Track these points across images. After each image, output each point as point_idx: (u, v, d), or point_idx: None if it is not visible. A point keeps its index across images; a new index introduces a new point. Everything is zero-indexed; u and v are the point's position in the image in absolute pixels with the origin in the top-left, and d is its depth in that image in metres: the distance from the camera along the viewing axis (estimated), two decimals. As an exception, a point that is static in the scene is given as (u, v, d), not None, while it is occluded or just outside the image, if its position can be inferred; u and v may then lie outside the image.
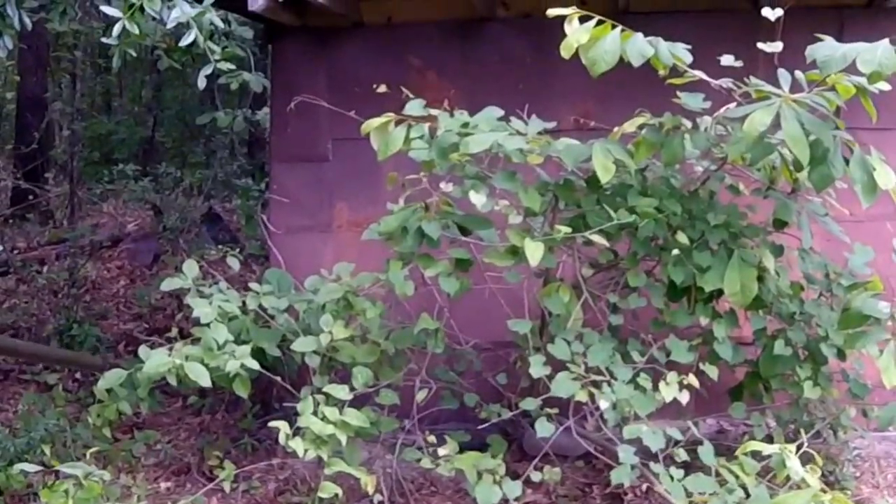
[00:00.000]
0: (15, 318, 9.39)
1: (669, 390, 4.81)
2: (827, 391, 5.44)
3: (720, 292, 5.10)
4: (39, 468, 5.46)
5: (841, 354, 5.34)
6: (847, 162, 4.59)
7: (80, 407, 7.09)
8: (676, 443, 4.86)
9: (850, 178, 4.62)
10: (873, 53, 4.19)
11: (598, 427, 5.25)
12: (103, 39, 5.74)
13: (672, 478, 4.54)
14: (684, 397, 4.88)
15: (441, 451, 5.11)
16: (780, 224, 5.32)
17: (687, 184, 5.32)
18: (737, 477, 4.40)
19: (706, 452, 4.70)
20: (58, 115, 13.23)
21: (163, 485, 6.16)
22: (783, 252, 5.34)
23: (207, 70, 5.57)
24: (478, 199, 4.85)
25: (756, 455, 4.45)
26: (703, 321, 5.22)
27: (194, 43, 5.17)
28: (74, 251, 10.39)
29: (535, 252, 4.67)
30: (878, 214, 5.49)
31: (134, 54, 5.74)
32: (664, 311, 5.30)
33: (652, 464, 4.72)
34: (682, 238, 4.98)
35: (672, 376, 4.88)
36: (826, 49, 4.27)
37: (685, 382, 4.87)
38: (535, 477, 5.10)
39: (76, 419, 6.70)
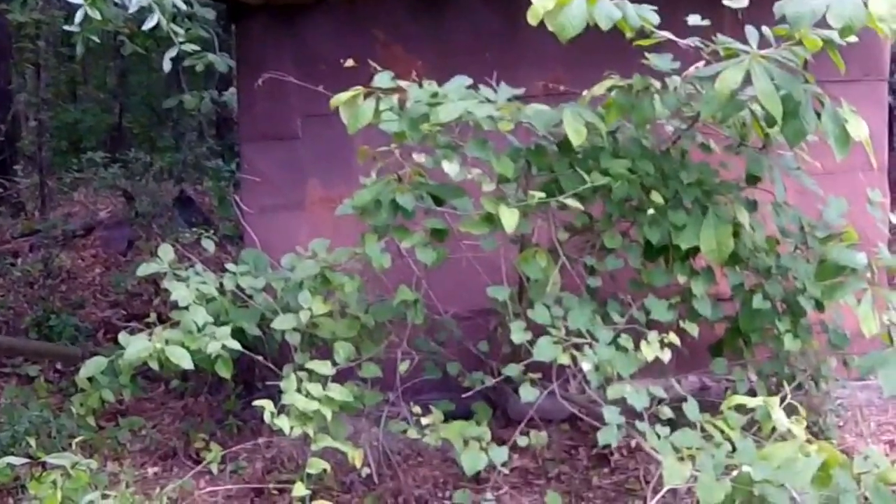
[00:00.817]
0: (-8, 312, 9.38)
1: (651, 349, 4.82)
2: (807, 343, 5.47)
3: (696, 250, 5.12)
4: (26, 460, 5.43)
5: (819, 306, 5.37)
6: (819, 115, 4.61)
7: (63, 397, 7.07)
8: (660, 401, 4.89)
9: (822, 131, 4.65)
10: (843, 7, 4.21)
11: (581, 390, 5.27)
12: (65, 27, 5.72)
13: (658, 436, 4.56)
14: (666, 356, 4.90)
15: (426, 421, 5.12)
16: (752, 179, 5.35)
17: (658, 144, 5.33)
18: (722, 432, 4.43)
19: (691, 408, 4.72)
20: (23, 105, 13.17)
21: (150, 470, 6.16)
22: (757, 207, 5.36)
23: (172, 53, 5.56)
24: (451, 167, 4.85)
25: (740, 409, 4.48)
26: (681, 279, 5.24)
27: (157, 26, 5.16)
28: (48, 242, 10.36)
29: (510, 219, 4.68)
30: (851, 166, 5.51)
31: (97, 41, 5.72)
32: (642, 271, 5.32)
33: (637, 423, 4.74)
34: (656, 198, 5.00)
35: (653, 335, 4.90)
36: (795, 4, 4.29)
37: (666, 341, 4.89)
38: (522, 442, 5.12)
39: (60, 409, 6.68)
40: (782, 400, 4.49)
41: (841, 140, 4.65)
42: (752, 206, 5.32)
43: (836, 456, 3.91)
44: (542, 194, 4.81)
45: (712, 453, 4.15)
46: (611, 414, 4.77)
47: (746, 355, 5.66)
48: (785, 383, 5.02)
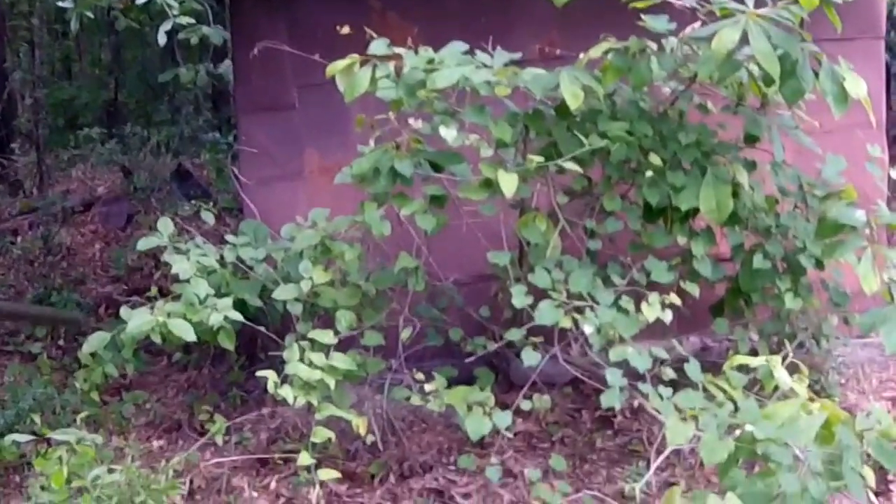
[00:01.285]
0: (-8, 291, 9.39)
1: (652, 310, 4.83)
2: (808, 302, 5.48)
3: (696, 211, 5.13)
4: (31, 437, 5.45)
5: (819, 265, 5.38)
6: (816, 75, 4.61)
7: (67, 373, 7.08)
8: (662, 362, 4.90)
9: (820, 89, 4.64)
10: (839, -35, 4.21)
11: (583, 353, 5.28)
12: (59, 3, 5.70)
13: (661, 397, 4.57)
14: (667, 316, 4.90)
15: (429, 388, 5.13)
16: (751, 139, 5.35)
17: (656, 106, 5.33)
18: (724, 392, 4.43)
19: (692, 369, 4.73)
20: (18, 84, 13.13)
21: (155, 443, 6.17)
22: (756, 167, 5.36)
23: (167, 26, 5.54)
24: (448, 133, 4.83)
25: (742, 369, 4.49)
26: (681, 240, 5.25)
27: (151, 0, 5.14)
28: (47, 219, 10.36)
29: (508, 183, 4.68)
30: (849, 124, 5.49)
31: (91, 17, 5.71)
32: (641, 233, 5.33)
33: (640, 384, 4.76)
34: (654, 159, 5.00)
35: (654, 297, 4.91)
36: (791, -38, 4.28)
37: (667, 301, 4.90)
38: (525, 406, 5.13)
39: (63, 386, 6.70)
40: (784, 359, 4.49)
41: (839, 98, 4.65)
42: (751, 166, 5.32)
43: (839, 413, 3.92)
44: (541, 158, 4.81)
45: (715, 413, 4.15)
46: (613, 376, 4.78)
47: (748, 315, 5.68)
48: (786, 342, 5.02)
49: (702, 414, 4.22)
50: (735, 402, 4.26)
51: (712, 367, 4.86)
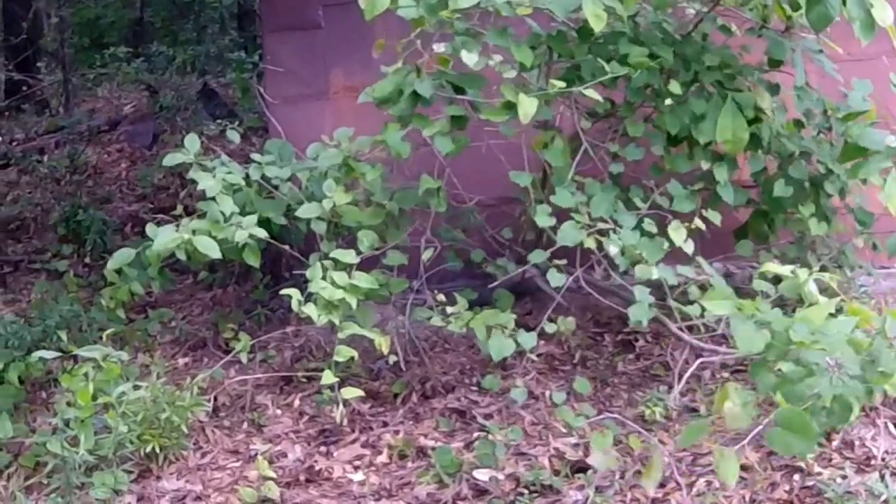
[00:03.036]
0: (20, 209, 9.44)
1: (678, 235, 4.84)
2: (832, 226, 5.47)
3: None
4: (57, 354, 5.51)
5: (842, 192, 5.37)
6: (844, 2, 4.55)
7: (93, 291, 7.13)
8: (688, 280, 4.91)
9: (846, 15, 4.59)
10: None
11: (605, 276, 5.30)
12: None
13: (689, 315, 4.55)
14: (689, 247, 4.91)
15: (450, 310, 5.15)
16: (774, 63, 5.30)
17: (679, 28, 5.29)
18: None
19: (718, 284, 4.72)
20: (44, 3, 13.10)
21: (180, 361, 6.25)
22: (779, 91, 5.33)
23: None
24: (469, 58, 4.79)
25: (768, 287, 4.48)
26: (704, 165, 5.24)
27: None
28: (73, 138, 10.39)
29: (528, 107, 4.65)
30: (874, 52, 5.43)
31: (117, -67, 5.68)
32: (664, 157, 5.31)
33: (669, 300, 4.78)
34: (675, 87, 4.96)
35: (676, 223, 4.91)
36: None
37: (692, 227, 4.90)
38: (549, 329, 5.15)
39: (89, 303, 6.75)
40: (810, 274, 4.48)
41: (866, 25, 4.60)
42: (775, 89, 5.29)
43: (869, 315, 3.85)
44: (563, 84, 4.78)
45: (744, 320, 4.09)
46: (641, 293, 4.79)
47: (771, 240, 5.67)
48: (812, 264, 5.01)
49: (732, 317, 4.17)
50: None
51: (736, 292, 4.85)
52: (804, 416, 3.52)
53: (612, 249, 4.77)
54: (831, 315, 3.85)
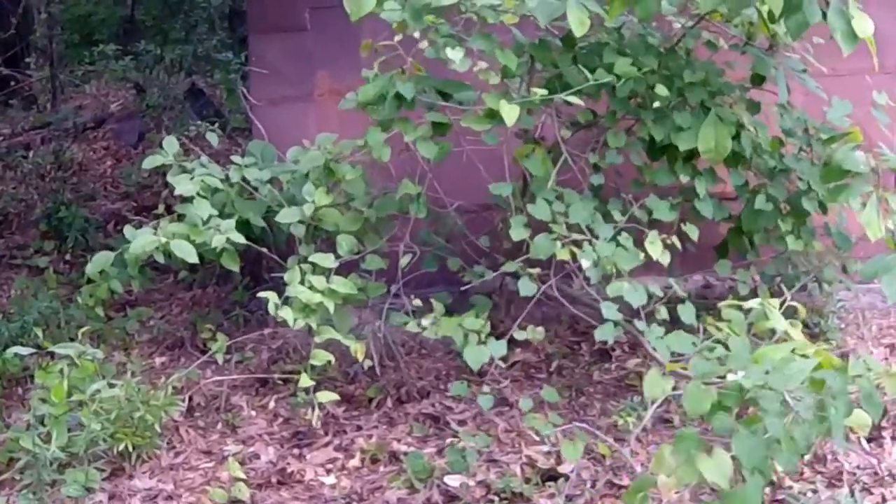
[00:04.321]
0: (3, 205, 9.41)
1: (654, 248, 4.86)
2: (810, 245, 5.50)
3: (697, 151, 5.12)
4: (34, 350, 5.52)
5: (823, 208, 5.39)
6: (824, 14, 4.58)
7: (73, 288, 7.12)
8: (658, 300, 4.93)
9: (829, 26, 4.61)
10: None
11: (582, 287, 5.31)
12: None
13: (655, 336, 4.57)
14: (665, 258, 4.93)
15: (425, 321, 5.15)
16: (757, 79, 5.33)
17: (664, 41, 5.31)
18: (720, 331, 4.44)
19: (686, 312, 4.77)
20: (35, -1, 13.08)
21: (157, 360, 6.24)
22: (760, 108, 5.36)
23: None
24: (455, 54, 4.78)
25: (741, 310, 4.51)
26: (684, 179, 5.26)
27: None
28: (59, 134, 10.37)
29: (510, 114, 4.66)
30: (858, 69, 5.46)
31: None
32: (645, 169, 5.34)
33: (635, 321, 4.79)
34: (661, 90, 4.97)
35: (654, 234, 4.92)
36: None
37: (668, 242, 4.92)
38: (519, 336, 5.15)
39: (69, 300, 6.74)
40: (783, 303, 4.50)
41: (847, 35, 4.62)
42: (756, 106, 5.32)
43: (831, 359, 3.90)
44: (545, 91, 4.79)
45: (706, 356, 4.13)
46: (609, 310, 4.81)
47: (751, 256, 5.69)
48: (785, 288, 5.03)
49: (694, 357, 4.22)
50: (726, 346, 4.25)
51: (713, 306, 4.87)
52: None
53: (585, 262, 4.78)
54: (795, 350, 3.88)
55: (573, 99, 4.79)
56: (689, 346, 4.46)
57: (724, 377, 3.82)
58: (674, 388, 4.14)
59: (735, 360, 3.91)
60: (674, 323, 4.88)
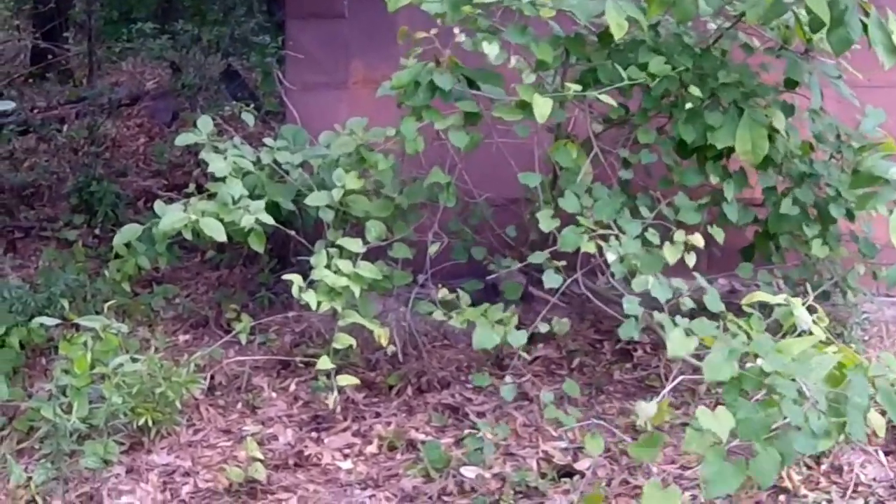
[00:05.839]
0: (35, 177, 9.47)
1: (674, 251, 4.85)
2: (835, 251, 5.48)
3: (731, 151, 5.12)
4: (59, 322, 5.55)
5: (850, 215, 5.37)
6: (864, 25, 4.56)
7: (100, 262, 7.13)
8: (682, 294, 4.92)
9: (869, 39, 4.61)
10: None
11: (608, 283, 5.31)
12: None
13: (675, 323, 4.55)
14: (691, 259, 4.92)
15: (453, 308, 5.16)
16: (791, 84, 5.32)
17: (700, 42, 5.30)
18: (740, 327, 4.44)
19: (712, 300, 4.75)
20: (75, -26, 13.13)
21: (181, 337, 6.26)
22: (794, 112, 5.34)
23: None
24: (490, 49, 4.81)
25: (763, 311, 4.50)
26: (713, 180, 5.25)
27: None
28: (94, 109, 10.39)
29: (543, 107, 4.67)
30: (893, 81, 5.45)
31: None
32: (674, 169, 5.33)
33: (656, 314, 4.78)
34: (694, 91, 4.97)
35: (679, 235, 4.91)
36: None
37: (691, 243, 4.91)
38: (543, 328, 5.16)
39: (96, 274, 6.76)
40: (805, 304, 4.50)
41: (889, 49, 4.63)
42: (790, 110, 5.30)
43: (853, 356, 3.90)
44: (578, 87, 4.80)
45: (728, 342, 4.12)
46: (630, 305, 4.80)
47: (776, 260, 5.68)
48: (810, 290, 5.02)
49: (715, 343, 4.21)
50: (749, 336, 4.25)
51: (738, 309, 4.86)
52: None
53: (611, 256, 4.78)
54: (817, 346, 3.88)
55: (605, 98, 4.80)
56: (714, 331, 4.42)
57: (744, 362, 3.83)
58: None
59: (758, 346, 3.90)
60: (694, 316, 4.85)
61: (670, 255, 4.85)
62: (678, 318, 4.58)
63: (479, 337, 4.93)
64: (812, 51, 5.26)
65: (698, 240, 4.91)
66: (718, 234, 5.17)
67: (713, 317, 4.69)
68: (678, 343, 4.23)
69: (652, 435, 4.04)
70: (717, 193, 5.33)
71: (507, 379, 5.30)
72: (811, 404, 3.63)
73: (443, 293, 5.29)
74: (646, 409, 3.82)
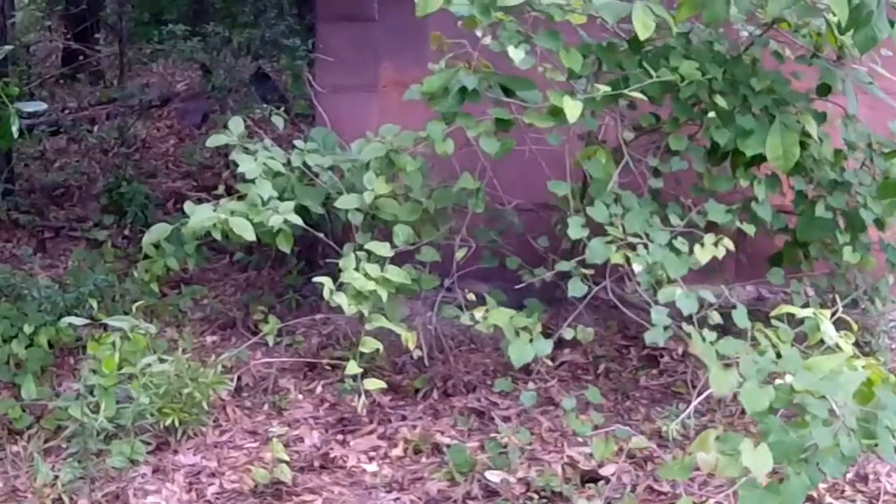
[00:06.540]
0: (66, 177, 9.54)
1: (705, 252, 4.82)
2: (865, 259, 5.44)
3: (762, 158, 5.10)
4: (87, 321, 5.58)
5: (880, 224, 5.35)
6: (893, 24, 4.54)
7: (129, 263, 7.19)
8: (710, 306, 4.90)
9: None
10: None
11: (636, 291, 5.30)
12: None
13: (704, 339, 4.54)
14: (720, 252, 4.87)
15: (478, 313, 5.15)
16: (824, 90, 5.29)
17: (731, 49, 5.29)
18: (769, 340, 4.43)
19: (740, 315, 4.73)
20: (106, -25, 13.21)
21: (208, 338, 6.30)
22: (826, 119, 5.32)
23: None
24: (516, 54, 4.79)
25: (791, 322, 4.48)
26: (744, 184, 5.23)
27: None
28: (124, 110, 10.47)
29: (573, 110, 4.64)
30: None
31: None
32: (705, 176, 5.31)
33: (685, 325, 4.77)
34: (720, 101, 4.96)
35: (708, 238, 4.89)
36: None
37: (721, 243, 4.88)
38: (568, 335, 5.15)
39: (125, 275, 6.80)
40: (834, 314, 4.47)
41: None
42: (822, 117, 5.27)
43: (881, 372, 3.89)
44: (609, 88, 4.79)
45: (756, 360, 4.11)
46: (658, 315, 4.79)
47: (805, 268, 5.66)
48: (839, 299, 5.00)
49: (743, 360, 4.20)
50: (778, 352, 4.24)
51: (765, 317, 4.83)
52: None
53: (637, 267, 4.75)
54: (846, 363, 3.86)
55: (637, 95, 4.79)
56: (742, 349, 4.40)
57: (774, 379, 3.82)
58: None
59: (787, 365, 3.89)
60: (725, 331, 4.85)
61: (701, 255, 4.82)
62: (706, 332, 4.57)
63: (515, 353, 4.89)
64: (844, 57, 5.23)
65: (728, 243, 4.88)
66: (750, 230, 5.13)
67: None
68: (720, 380, 4.17)
69: (684, 458, 4.01)
70: (748, 199, 5.30)
71: (530, 385, 5.30)
72: (841, 424, 3.61)
73: (470, 297, 5.28)
74: (706, 460, 3.78)
